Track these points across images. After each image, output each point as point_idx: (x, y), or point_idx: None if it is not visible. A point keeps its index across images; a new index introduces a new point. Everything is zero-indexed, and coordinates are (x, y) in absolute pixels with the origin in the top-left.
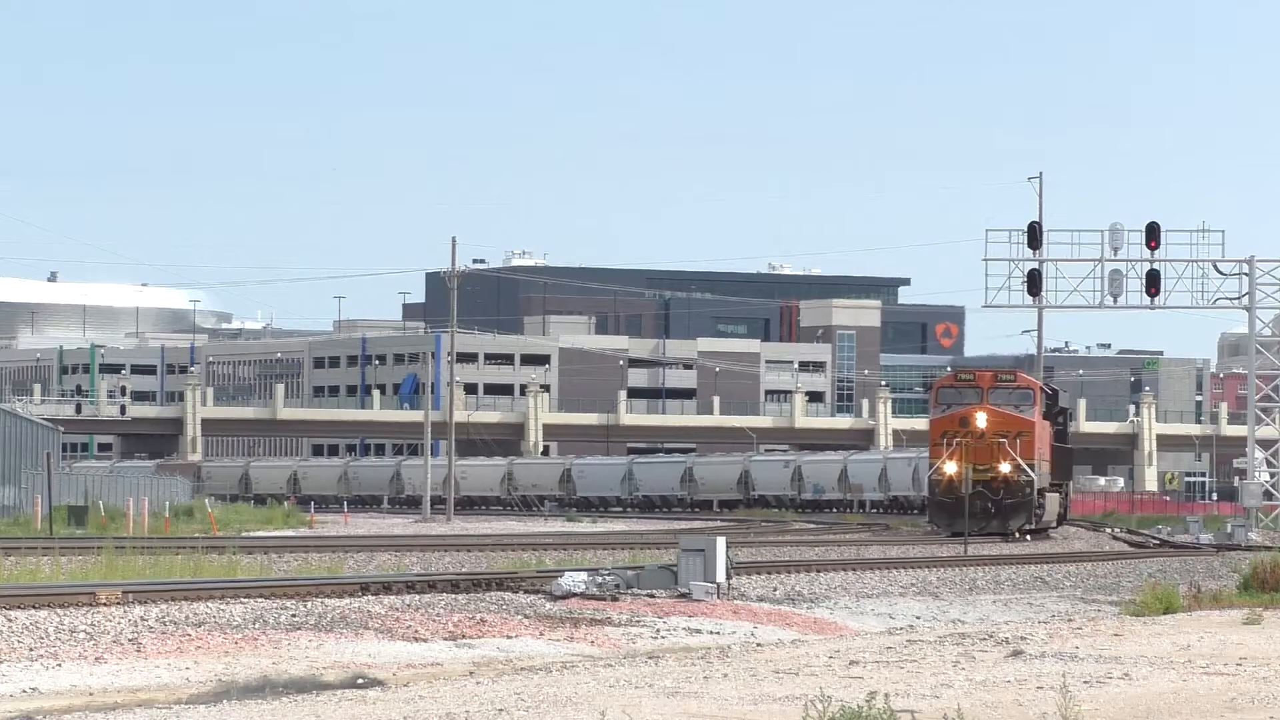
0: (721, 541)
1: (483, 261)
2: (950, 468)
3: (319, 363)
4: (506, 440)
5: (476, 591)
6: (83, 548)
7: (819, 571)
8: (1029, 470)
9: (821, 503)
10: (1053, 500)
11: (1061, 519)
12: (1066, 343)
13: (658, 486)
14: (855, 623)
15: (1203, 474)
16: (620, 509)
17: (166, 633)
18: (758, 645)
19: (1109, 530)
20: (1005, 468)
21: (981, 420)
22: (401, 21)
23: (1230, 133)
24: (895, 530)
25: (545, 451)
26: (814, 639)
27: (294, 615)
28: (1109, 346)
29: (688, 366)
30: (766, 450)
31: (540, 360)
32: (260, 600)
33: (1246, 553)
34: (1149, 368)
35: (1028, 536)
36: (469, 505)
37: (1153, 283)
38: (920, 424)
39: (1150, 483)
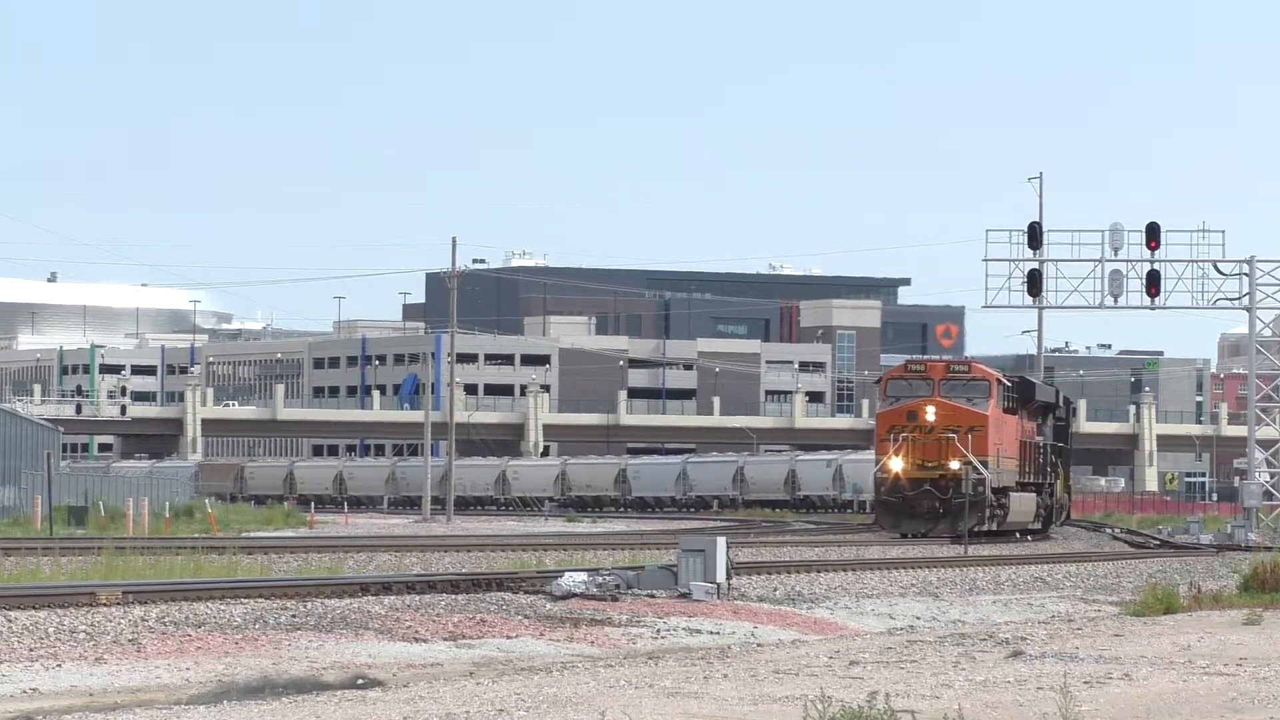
0: (722, 542)
1: (483, 261)
2: (896, 465)
3: (319, 363)
4: (506, 441)
5: (476, 592)
6: (83, 548)
7: (819, 571)
8: (981, 468)
9: (862, 502)
10: (1023, 500)
11: (1048, 520)
12: (1067, 343)
13: (711, 486)
14: (855, 623)
15: (1203, 474)
16: (674, 509)
17: (166, 633)
18: (758, 645)
19: (1109, 530)
20: (954, 464)
21: (930, 414)
22: (402, 21)
23: (1230, 133)
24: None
25: (546, 452)
26: (814, 639)
27: (294, 616)
28: (1109, 347)
29: (688, 367)
30: (767, 450)
31: (540, 360)
32: (260, 601)
33: (1246, 553)
34: (1149, 368)
35: (1028, 538)
36: (522, 506)
37: (1153, 283)
38: None
39: (1151, 483)
